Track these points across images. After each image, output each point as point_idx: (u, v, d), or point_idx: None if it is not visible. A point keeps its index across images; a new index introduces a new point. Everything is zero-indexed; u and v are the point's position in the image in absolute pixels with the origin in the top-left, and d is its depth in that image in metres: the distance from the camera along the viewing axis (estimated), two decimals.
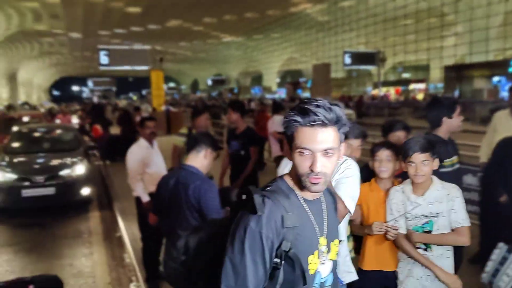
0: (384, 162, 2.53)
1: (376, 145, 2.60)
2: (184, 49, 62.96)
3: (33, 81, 73.72)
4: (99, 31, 44.51)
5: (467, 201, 5.00)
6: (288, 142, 1.43)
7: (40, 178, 7.13)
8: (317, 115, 1.33)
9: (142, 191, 4.34)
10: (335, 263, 1.54)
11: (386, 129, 3.19)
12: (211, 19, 42.95)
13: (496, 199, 3.66)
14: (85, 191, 7.53)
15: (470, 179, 4.96)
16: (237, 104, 4.85)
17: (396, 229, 2.43)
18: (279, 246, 1.35)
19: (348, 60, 27.18)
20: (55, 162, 7.70)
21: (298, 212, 1.40)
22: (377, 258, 2.61)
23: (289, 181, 1.47)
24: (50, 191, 7.12)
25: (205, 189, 2.61)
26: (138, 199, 4.39)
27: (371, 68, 38.81)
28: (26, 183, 7.04)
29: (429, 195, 2.38)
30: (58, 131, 9.69)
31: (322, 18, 47.53)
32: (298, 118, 1.35)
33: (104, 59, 19.31)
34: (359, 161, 2.45)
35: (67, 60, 67.55)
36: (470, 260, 4.50)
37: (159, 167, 4.52)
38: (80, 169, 7.64)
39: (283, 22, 48.02)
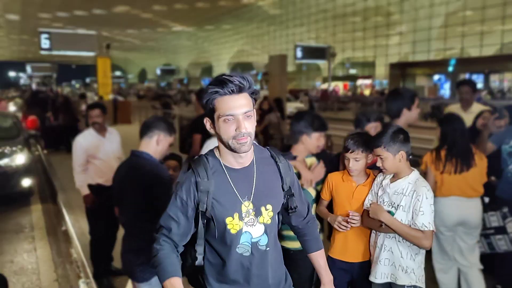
0: (352, 162, 2.49)
1: (347, 144, 2.51)
2: (132, 36, 60.87)
3: None
4: (39, 14, 41.86)
5: None
6: (210, 116, 1.61)
7: None
8: (234, 83, 1.53)
9: (82, 184, 4.06)
10: (270, 226, 1.69)
11: (361, 120, 3.17)
12: (161, 7, 41.79)
13: None
14: (26, 182, 7.02)
15: None
16: (200, 94, 4.72)
17: (356, 216, 2.45)
18: (197, 207, 1.61)
19: (299, 53, 27.42)
20: None
21: (217, 179, 1.62)
22: (343, 248, 2.60)
23: (216, 153, 1.68)
24: None
25: (155, 174, 2.51)
26: (93, 188, 4.10)
27: (321, 62, 39.59)
28: None
29: (397, 185, 2.36)
30: None
31: (274, 11, 47.79)
32: (218, 89, 1.54)
33: (45, 42, 18.06)
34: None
35: (2, 43, 63.09)
36: None
37: (110, 158, 4.18)
38: (20, 158, 7.09)
39: (235, 13, 47.76)
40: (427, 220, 2.26)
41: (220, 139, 1.61)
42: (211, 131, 1.65)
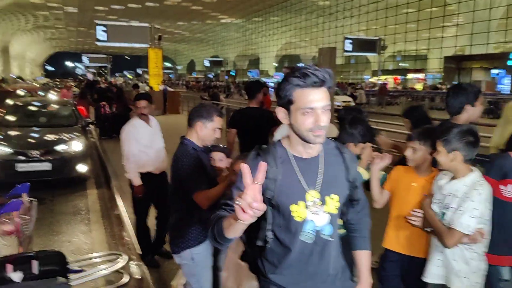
0: (408, 150, 2.53)
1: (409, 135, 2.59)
2: (182, 28, 62.17)
3: (26, 55, 72.56)
4: (96, 6, 43.69)
5: None
6: (286, 107, 1.62)
7: (36, 153, 6.96)
8: (318, 77, 1.54)
9: (134, 174, 4.18)
10: (335, 216, 1.71)
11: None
12: None
13: None
14: (82, 168, 7.38)
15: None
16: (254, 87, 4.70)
17: (418, 213, 2.43)
18: (263, 193, 1.49)
19: (348, 46, 26.88)
20: (51, 137, 7.48)
21: (284, 167, 1.65)
22: (396, 238, 2.62)
23: (284, 143, 1.72)
24: (46, 166, 6.95)
25: (181, 157, 2.62)
26: (144, 176, 4.26)
27: (371, 55, 38.59)
28: (22, 157, 6.88)
29: (452, 186, 2.29)
30: (56, 106, 9.44)
31: (323, 2, 47.03)
32: (300, 81, 1.55)
33: (101, 34, 18.89)
34: None
35: (61, 35, 66.46)
36: None
37: (158, 147, 4.37)
38: (77, 145, 7.46)
39: (284, 5, 47.48)
40: (463, 221, 2.17)
41: (295, 130, 1.64)
42: (284, 121, 1.67)
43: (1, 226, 2.82)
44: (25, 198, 3.10)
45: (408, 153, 2.50)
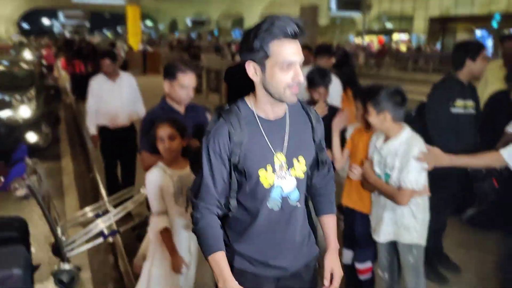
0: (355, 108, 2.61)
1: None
2: None
3: None
4: None
5: None
6: (259, 61, 1.45)
7: None
8: (298, 25, 1.39)
9: (90, 124, 4.55)
10: (301, 181, 1.62)
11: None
12: None
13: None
14: (32, 137, 6.56)
15: None
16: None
17: (355, 169, 2.54)
18: (230, 159, 1.52)
19: (334, 5, 26.34)
20: None
21: (250, 129, 1.52)
22: (348, 194, 2.73)
23: (249, 102, 1.57)
24: None
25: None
26: (101, 129, 4.52)
27: (356, 15, 37.96)
28: None
29: (390, 146, 2.34)
30: (8, 66, 8.43)
31: None
32: (278, 31, 1.37)
33: None
34: None
35: None
36: None
37: (116, 104, 4.44)
38: (25, 111, 6.60)
39: None
40: (412, 178, 2.24)
41: (268, 87, 1.48)
42: (254, 78, 1.51)
43: (15, 194, 2.69)
44: (27, 160, 2.95)
45: (355, 110, 2.58)
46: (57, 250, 2.84)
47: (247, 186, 1.57)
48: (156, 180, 2.26)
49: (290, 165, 1.59)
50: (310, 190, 1.83)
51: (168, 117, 2.40)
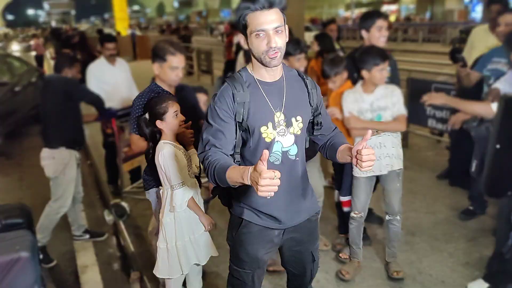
0: None
1: None
2: None
3: None
4: None
5: (440, 120, 5.09)
6: (243, 32, 1.68)
7: None
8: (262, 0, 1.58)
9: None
10: (299, 137, 1.80)
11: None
12: None
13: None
14: None
15: None
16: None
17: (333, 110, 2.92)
18: (235, 118, 1.71)
19: None
20: None
21: (252, 91, 1.71)
22: None
23: (249, 68, 1.78)
24: None
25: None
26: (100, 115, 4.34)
27: None
28: None
29: (378, 92, 2.81)
30: None
31: None
32: (250, 4, 1.60)
33: None
34: None
35: None
36: (438, 176, 4.66)
37: (119, 86, 4.55)
38: None
39: None
40: (400, 108, 2.81)
41: (253, 54, 1.70)
42: (245, 46, 1.73)
43: None
44: None
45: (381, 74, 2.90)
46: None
47: (251, 142, 1.75)
48: (172, 153, 2.32)
49: (289, 123, 1.76)
50: (320, 146, 1.96)
51: (170, 95, 2.49)
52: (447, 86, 4.87)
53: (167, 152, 2.31)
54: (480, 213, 3.80)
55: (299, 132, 1.79)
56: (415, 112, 5.40)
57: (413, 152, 5.52)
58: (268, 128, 1.73)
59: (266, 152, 1.35)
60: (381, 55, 2.75)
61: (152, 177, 2.64)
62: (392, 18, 35.57)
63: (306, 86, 1.83)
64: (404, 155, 2.94)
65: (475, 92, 3.52)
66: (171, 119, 2.34)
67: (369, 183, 2.93)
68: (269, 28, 1.60)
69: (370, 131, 1.56)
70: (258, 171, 1.34)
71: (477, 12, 28.55)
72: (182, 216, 2.40)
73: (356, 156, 1.57)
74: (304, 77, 1.85)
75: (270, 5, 1.59)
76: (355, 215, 2.96)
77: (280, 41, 1.63)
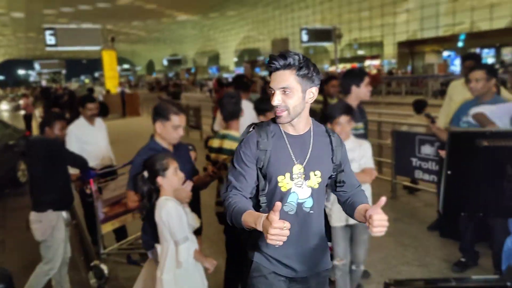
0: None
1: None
2: (137, 29, 60.87)
3: None
4: (44, 10, 42.04)
5: (426, 170, 5.14)
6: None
7: None
8: (273, 62, 1.71)
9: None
10: (316, 191, 1.82)
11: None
12: None
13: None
14: None
15: (428, 149, 5.05)
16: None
17: None
18: (257, 163, 1.79)
19: (305, 37, 27.13)
20: None
21: (275, 141, 1.79)
22: None
23: None
24: None
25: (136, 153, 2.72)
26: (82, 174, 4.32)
27: (328, 44, 39.12)
28: None
29: (346, 145, 2.88)
30: None
31: None
32: (268, 66, 1.74)
33: (50, 39, 18.20)
34: None
35: (10, 42, 63.54)
36: (429, 228, 4.64)
37: (100, 145, 4.60)
38: None
39: None
40: (369, 161, 2.97)
41: None
42: None
43: None
44: None
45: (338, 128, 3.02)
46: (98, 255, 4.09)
47: (268, 188, 1.82)
48: (176, 209, 2.36)
49: (307, 176, 1.81)
50: (341, 202, 1.98)
51: (169, 153, 2.58)
52: (431, 138, 4.98)
53: (172, 207, 2.34)
54: (473, 265, 3.76)
55: (316, 186, 1.82)
56: (402, 163, 5.48)
57: (402, 203, 5.52)
58: (285, 178, 1.78)
59: (278, 203, 1.43)
60: (346, 109, 2.91)
61: (150, 236, 2.61)
62: (375, 72, 36.95)
63: (331, 143, 1.87)
64: (393, 207, 2.99)
65: None
66: (171, 175, 2.38)
67: (346, 230, 2.99)
68: (275, 87, 1.72)
69: (384, 198, 1.56)
70: (270, 220, 1.42)
71: (456, 65, 29.84)
72: (182, 273, 2.36)
73: (368, 220, 1.60)
74: (331, 134, 1.90)
75: (278, 68, 1.71)
76: (337, 263, 2.97)
77: (288, 101, 1.71)
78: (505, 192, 1.82)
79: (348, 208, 1.91)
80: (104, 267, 3.98)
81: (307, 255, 1.86)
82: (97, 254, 4.49)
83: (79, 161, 3.80)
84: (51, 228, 3.44)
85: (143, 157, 2.57)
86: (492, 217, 2.41)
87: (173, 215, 2.32)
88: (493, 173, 1.83)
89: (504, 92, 4.14)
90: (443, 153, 3.14)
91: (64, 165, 3.67)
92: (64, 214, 3.57)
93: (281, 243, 1.43)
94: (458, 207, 1.97)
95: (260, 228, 1.51)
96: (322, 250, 1.92)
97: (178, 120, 2.62)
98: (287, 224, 1.42)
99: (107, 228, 4.45)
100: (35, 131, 13.93)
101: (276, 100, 1.71)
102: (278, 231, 1.41)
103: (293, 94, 1.71)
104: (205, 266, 2.45)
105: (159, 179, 2.38)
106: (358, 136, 3.41)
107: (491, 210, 1.98)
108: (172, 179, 2.40)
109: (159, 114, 2.63)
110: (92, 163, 4.36)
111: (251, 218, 1.58)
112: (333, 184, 1.93)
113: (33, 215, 3.45)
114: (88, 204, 4.57)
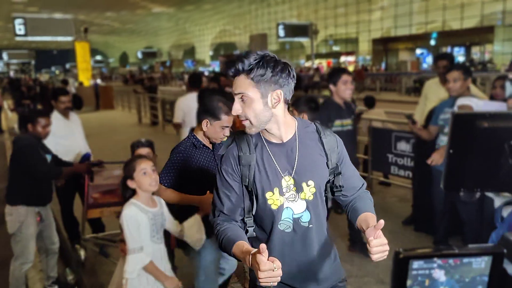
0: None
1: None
2: (110, 19, 59.49)
3: None
4: None
5: (401, 166, 5.27)
6: None
7: None
8: (231, 67, 1.53)
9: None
10: (312, 203, 1.62)
11: None
12: None
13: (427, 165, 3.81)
14: None
15: (403, 146, 5.18)
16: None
17: None
18: (241, 180, 1.60)
19: (282, 32, 27.13)
20: None
21: (259, 153, 1.60)
22: None
23: None
24: None
25: (174, 147, 2.66)
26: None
27: (304, 40, 39.34)
28: None
29: None
30: None
31: None
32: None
33: (20, 28, 17.58)
34: None
35: None
36: (404, 222, 4.75)
37: (77, 140, 4.53)
38: None
39: None
40: None
41: None
42: None
43: None
44: None
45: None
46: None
47: (258, 207, 1.62)
48: (133, 216, 2.25)
49: (299, 189, 1.60)
50: (343, 206, 1.80)
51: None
52: (407, 134, 5.10)
53: (130, 213, 2.25)
54: None
55: (311, 198, 1.62)
56: (378, 159, 5.60)
57: (378, 199, 5.64)
58: (274, 194, 1.58)
59: (263, 246, 1.29)
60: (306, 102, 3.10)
61: None
62: (351, 68, 37.43)
63: (323, 147, 1.64)
64: None
65: (432, 140, 3.74)
66: (139, 177, 2.29)
67: None
68: (235, 93, 1.54)
69: (382, 221, 1.41)
70: (258, 262, 1.28)
71: (428, 63, 30.58)
72: (146, 275, 2.32)
73: (368, 244, 1.43)
74: (322, 134, 1.66)
75: (235, 73, 1.54)
76: None
77: (247, 110, 1.52)
78: (502, 168, 1.92)
79: (350, 213, 1.74)
80: (82, 253, 4.15)
81: (314, 271, 1.67)
82: (78, 238, 4.45)
83: (48, 174, 3.52)
84: (19, 223, 3.38)
85: (184, 154, 2.52)
86: (490, 191, 2.57)
87: (129, 221, 2.24)
88: (492, 152, 1.93)
89: (474, 89, 4.27)
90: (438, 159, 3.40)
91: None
92: (37, 209, 3.50)
93: (275, 284, 1.31)
94: (458, 184, 2.08)
95: (250, 266, 1.37)
96: (330, 262, 1.72)
97: (227, 120, 2.56)
98: (277, 264, 1.28)
99: (94, 214, 4.40)
100: (4, 123, 13.48)
101: (235, 109, 1.54)
102: (268, 273, 1.27)
103: (251, 101, 1.51)
104: (165, 286, 2.32)
105: (129, 183, 2.32)
106: (346, 132, 3.47)
107: (489, 185, 2.11)
108: (140, 180, 2.30)
109: (209, 112, 2.55)
110: (69, 157, 4.28)
111: (240, 254, 1.46)
112: (330, 189, 1.71)
113: (7, 208, 3.42)
114: (65, 201, 4.49)
